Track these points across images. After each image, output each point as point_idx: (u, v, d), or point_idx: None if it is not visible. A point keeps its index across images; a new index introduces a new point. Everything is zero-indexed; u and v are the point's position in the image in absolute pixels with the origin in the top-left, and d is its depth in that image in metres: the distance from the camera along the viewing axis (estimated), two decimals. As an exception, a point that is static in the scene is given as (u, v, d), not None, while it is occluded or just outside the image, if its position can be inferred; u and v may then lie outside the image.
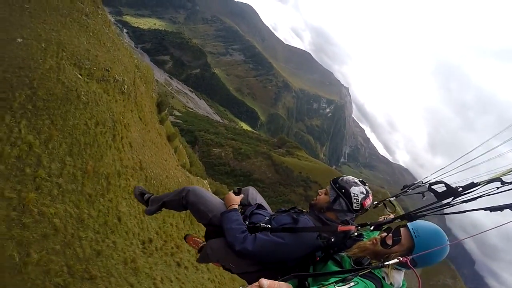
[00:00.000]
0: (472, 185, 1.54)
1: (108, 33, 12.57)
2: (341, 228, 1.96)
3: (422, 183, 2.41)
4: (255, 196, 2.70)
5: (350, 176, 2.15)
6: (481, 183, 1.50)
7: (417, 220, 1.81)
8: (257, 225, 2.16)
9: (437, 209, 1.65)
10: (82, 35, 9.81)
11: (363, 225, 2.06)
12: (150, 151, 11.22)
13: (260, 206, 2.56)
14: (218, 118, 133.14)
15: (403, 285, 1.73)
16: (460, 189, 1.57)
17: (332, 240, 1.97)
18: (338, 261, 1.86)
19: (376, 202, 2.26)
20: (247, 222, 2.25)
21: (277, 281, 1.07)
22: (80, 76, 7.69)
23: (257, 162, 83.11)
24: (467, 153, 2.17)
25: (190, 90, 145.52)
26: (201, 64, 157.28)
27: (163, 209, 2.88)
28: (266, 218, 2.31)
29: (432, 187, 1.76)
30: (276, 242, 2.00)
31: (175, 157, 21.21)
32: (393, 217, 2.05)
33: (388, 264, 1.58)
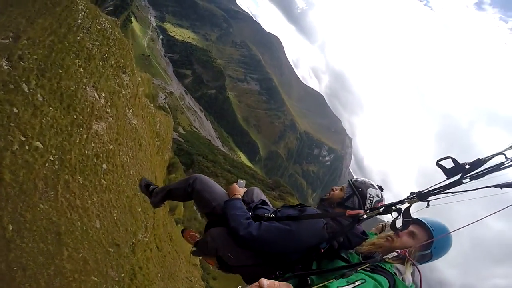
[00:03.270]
0: (478, 161, 1.46)
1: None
2: (350, 212, 1.94)
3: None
4: (260, 196, 2.66)
5: (368, 179, 2.21)
6: (487, 158, 1.44)
7: (423, 217, 1.88)
8: (261, 215, 2.13)
9: (448, 187, 1.57)
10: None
11: (372, 209, 1.92)
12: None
13: (264, 203, 2.52)
14: (219, 144, 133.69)
15: (411, 286, 1.70)
16: (468, 166, 1.49)
17: (338, 231, 1.92)
18: (346, 259, 1.83)
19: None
20: (250, 213, 2.20)
21: (277, 281, 1.09)
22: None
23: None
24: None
25: (200, 109, 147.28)
26: (218, 86, 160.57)
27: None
28: (271, 211, 2.28)
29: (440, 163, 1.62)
30: (281, 228, 1.96)
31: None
32: (403, 198, 1.89)
33: (409, 259, 1.65)
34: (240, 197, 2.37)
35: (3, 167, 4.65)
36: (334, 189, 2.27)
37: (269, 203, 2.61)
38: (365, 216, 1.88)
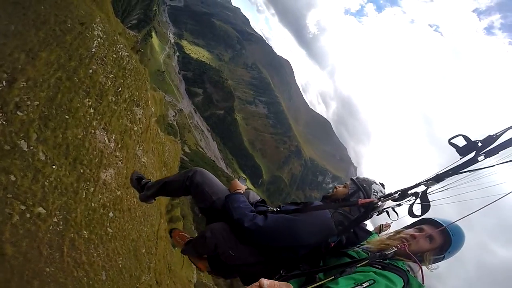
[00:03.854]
0: (490, 138, 1.41)
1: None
2: (362, 201, 1.87)
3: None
4: (256, 197, 2.53)
5: (371, 177, 2.17)
6: (498, 134, 1.39)
7: (439, 218, 1.82)
8: (265, 210, 2.04)
9: (464, 166, 1.48)
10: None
11: (386, 196, 1.87)
12: None
13: (264, 201, 2.45)
14: (223, 166, 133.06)
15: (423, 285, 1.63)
16: (480, 143, 1.43)
17: (350, 222, 1.87)
18: (354, 257, 1.77)
19: (382, 209, 1.99)
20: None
21: (277, 281, 1.07)
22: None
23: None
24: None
25: (208, 129, 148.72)
26: (227, 106, 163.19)
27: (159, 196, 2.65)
28: (274, 208, 2.16)
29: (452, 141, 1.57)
30: (289, 218, 1.87)
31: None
32: (419, 181, 1.71)
33: (411, 256, 1.63)
34: (242, 193, 2.23)
35: (3, 241, 4.10)
36: (338, 187, 2.22)
37: None
38: (379, 203, 1.84)
